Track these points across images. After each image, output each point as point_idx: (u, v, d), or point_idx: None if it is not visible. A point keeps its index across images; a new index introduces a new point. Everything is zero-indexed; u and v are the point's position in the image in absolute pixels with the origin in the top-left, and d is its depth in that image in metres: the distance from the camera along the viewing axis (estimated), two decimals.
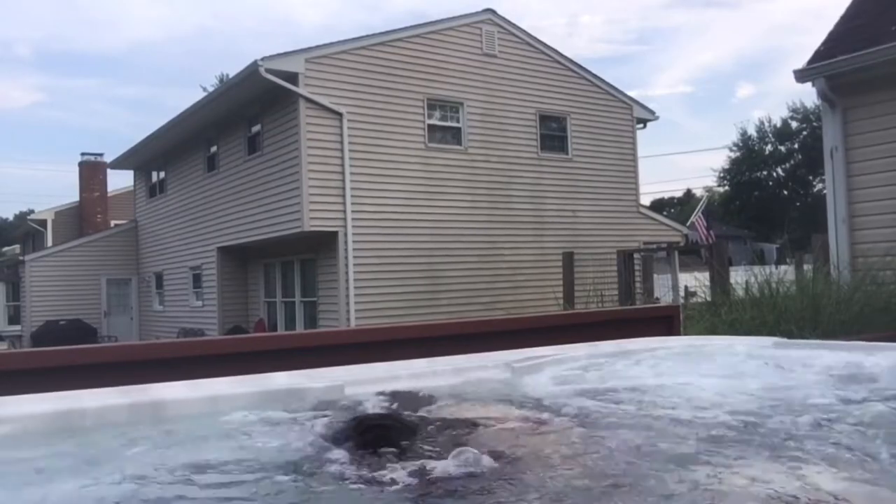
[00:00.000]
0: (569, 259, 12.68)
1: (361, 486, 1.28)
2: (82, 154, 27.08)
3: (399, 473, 1.30)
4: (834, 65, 8.00)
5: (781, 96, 75.97)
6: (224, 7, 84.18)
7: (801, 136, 44.37)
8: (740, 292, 7.42)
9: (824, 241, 8.30)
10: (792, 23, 79.74)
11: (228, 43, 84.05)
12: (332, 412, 1.73)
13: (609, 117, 17.48)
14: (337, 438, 1.55)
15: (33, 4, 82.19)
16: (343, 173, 13.50)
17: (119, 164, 22.48)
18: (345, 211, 13.47)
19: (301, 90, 13.15)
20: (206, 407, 1.79)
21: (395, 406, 1.80)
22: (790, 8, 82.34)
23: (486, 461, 1.34)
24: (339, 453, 1.45)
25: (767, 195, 45.19)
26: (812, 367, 2.26)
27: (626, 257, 12.22)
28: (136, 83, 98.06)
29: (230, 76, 15.64)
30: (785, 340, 2.81)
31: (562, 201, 16.43)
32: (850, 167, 8.10)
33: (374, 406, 1.79)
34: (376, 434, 1.51)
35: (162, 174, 20.80)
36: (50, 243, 26.67)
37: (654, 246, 15.28)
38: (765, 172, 46.75)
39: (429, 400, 1.88)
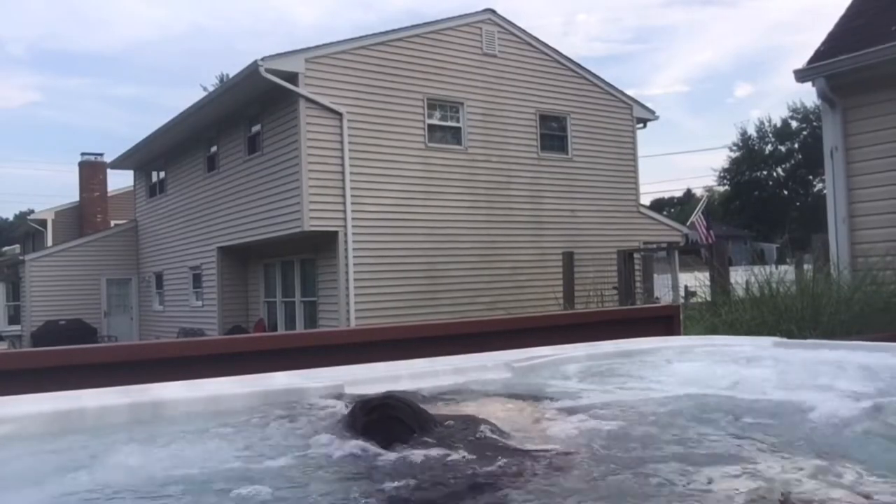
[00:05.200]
0: (569, 259, 12.68)
1: (362, 473, 1.28)
2: (82, 154, 27.11)
3: (399, 461, 1.30)
4: (834, 65, 8.00)
5: (781, 96, 76.14)
6: (219, 6, 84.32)
7: (801, 136, 44.41)
8: (740, 292, 7.43)
9: (824, 241, 8.30)
10: (791, 21, 79.87)
11: (224, 42, 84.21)
12: (331, 409, 1.73)
13: (609, 117, 17.48)
14: (338, 424, 1.56)
15: (27, 3, 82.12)
16: (343, 173, 13.50)
17: (119, 163, 22.48)
18: (345, 211, 13.48)
19: (301, 90, 13.15)
20: (206, 407, 1.79)
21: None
22: (789, 6, 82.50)
23: (486, 458, 1.34)
24: (336, 438, 1.46)
25: (767, 195, 45.24)
26: (812, 366, 2.26)
27: (626, 257, 12.21)
28: (132, 82, 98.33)
29: (230, 76, 15.65)
30: (785, 340, 2.81)
31: (562, 201, 16.43)
32: (850, 167, 8.10)
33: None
34: (380, 414, 1.51)
35: (162, 174, 20.79)
36: (50, 243, 26.67)
37: (654, 246, 15.29)
38: (765, 172, 46.80)
39: (429, 399, 1.88)
